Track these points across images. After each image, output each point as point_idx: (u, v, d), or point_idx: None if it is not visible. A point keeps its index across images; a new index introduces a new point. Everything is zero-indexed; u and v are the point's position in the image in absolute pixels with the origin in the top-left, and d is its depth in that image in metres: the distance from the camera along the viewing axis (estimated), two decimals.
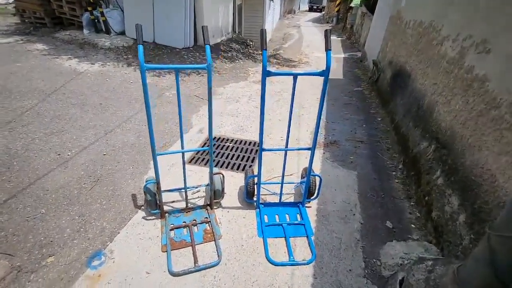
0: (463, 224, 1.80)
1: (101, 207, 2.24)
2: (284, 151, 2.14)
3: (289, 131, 2.06)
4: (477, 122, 1.91)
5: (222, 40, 6.70)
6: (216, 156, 3.07)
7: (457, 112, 2.21)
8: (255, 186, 2.33)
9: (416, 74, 3.40)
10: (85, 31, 6.54)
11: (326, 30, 1.69)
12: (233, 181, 2.67)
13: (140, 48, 1.57)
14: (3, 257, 1.80)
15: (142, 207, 2.27)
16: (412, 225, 2.30)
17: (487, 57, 1.98)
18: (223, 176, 2.27)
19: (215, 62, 5.93)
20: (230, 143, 3.35)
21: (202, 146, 3.23)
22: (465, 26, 2.37)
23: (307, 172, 2.19)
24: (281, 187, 2.33)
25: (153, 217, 2.18)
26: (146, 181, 2.14)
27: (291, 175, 2.83)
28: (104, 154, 2.87)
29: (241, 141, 3.41)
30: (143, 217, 2.18)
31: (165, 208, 2.25)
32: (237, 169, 2.90)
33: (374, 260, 1.98)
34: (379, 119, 4.27)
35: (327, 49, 1.71)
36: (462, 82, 2.21)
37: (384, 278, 1.85)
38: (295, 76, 1.80)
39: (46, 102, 3.75)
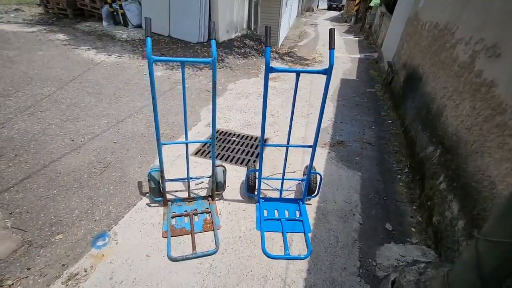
0: (461, 230, 1.79)
1: (108, 192, 2.35)
2: (285, 147, 2.16)
3: (290, 128, 2.09)
4: (482, 128, 1.88)
5: (236, 36, 6.75)
6: (221, 150, 3.13)
7: (464, 117, 2.17)
8: (256, 180, 2.38)
9: (428, 77, 3.34)
10: (104, 23, 6.74)
11: (330, 29, 1.71)
12: (236, 175, 2.73)
13: (148, 41, 1.64)
14: (17, 232, 1.93)
15: (147, 194, 2.36)
16: (413, 229, 2.29)
17: (496, 62, 1.94)
18: (225, 169, 2.33)
19: (228, 57, 5.99)
20: (236, 137, 3.41)
21: (209, 138, 3.30)
22: (478, 29, 2.32)
23: (308, 170, 2.22)
24: (282, 183, 2.37)
25: (157, 204, 2.27)
26: (150, 169, 2.23)
27: (294, 172, 2.86)
28: (115, 142, 2.99)
29: (247, 136, 3.46)
30: (147, 204, 2.27)
31: (168, 196, 2.34)
32: (241, 163, 2.95)
33: (370, 260, 1.99)
34: (390, 121, 4.21)
35: (331, 48, 1.72)
36: (471, 87, 2.17)
37: (378, 278, 1.86)
38: (297, 73, 1.82)
39: (63, 90, 3.91)
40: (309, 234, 2.15)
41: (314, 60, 7.78)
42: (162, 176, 2.11)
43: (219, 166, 2.29)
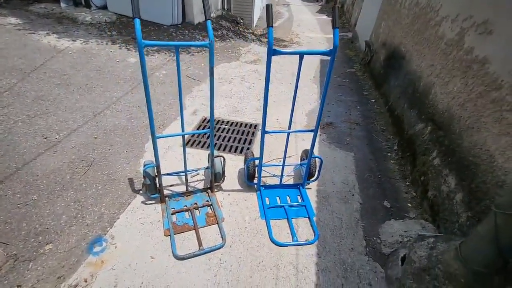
0: (460, 202, 1.87)
1: (97, 192, 2.16)
2: (286, 133, 2.10)
3: (292, 113, 2.03)
4: (476, 103, 1.94)
5: (211, 17, 6.40)
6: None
7: (455, 94, 2.23)
8: (256, 168, 2.31)
9: (412, 55, 3.40)
10: (63, 4, 6.05)
11: (333, 7, 1.62)
12: (232, 163, 2.64)
13: (137, 22, 1.45)
14: None
15: (141, 192, 2.21)
16: (409, 204, 2.38)
17: (488, 38, 1.99)
18: (224, 159, 2.23)
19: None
20: (225, 125, 3.28)
21: (198, 128, 3.16)
22: (466, 6, 2.35)
23: (309, 154, 2.19)
24: (282, 169, 2.33)
25: (153, 202, 2.13)
26: (144, 165, 2.07)
27: (289, 157, 2.83)
28: (95, 138, 2.75)
29: (237, 123, 3.35)
30: (142, 202, 2.13)
31: (165, 192, 2.20)
32: (235, 151, 2.86)
33: (374, 238, 2.04)
34: (373, 100, 4.29)
35: (335, 27, 1.64)
36: (461, 64, 2.23)
37: (384, 255, 1.92)
38: (301, 55, 1.74)
39: (26, 82, 3.49)
40: (314, 218, 2.15)
41: (291, 41, 7.66)
42: (158, 172, 1.97)
43: (218, 157, 2.18)
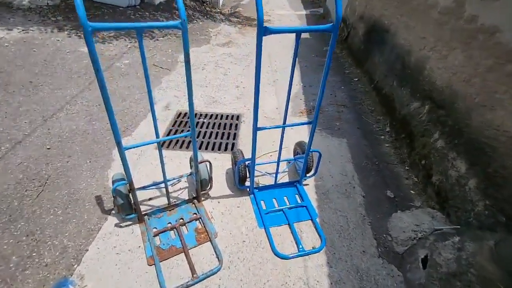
0: (474, 189, 1.73)
1: (56, 219, 1.75)
2: (280, 128, 1.81)
3: (287, 106, 1.73)
4: (486, 79, 1.76)
5: None
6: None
7: (457, 69, 2.05)
8: (247, 169, 2.02)
9: (397, 28, 3.18)
10: None
11: None
12: (218, 164, 2.32)
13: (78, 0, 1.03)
14: None
15: (113, 211, 1.83)
16: (412, 191, 2.23)
17: (495, 4, 1.78)
18: (210, 164, 1.90)
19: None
20: (204, 119, 2.91)
21: (173, 125, 2.76)
22: None
23: (307, 148, 1.92)
24: (277, 167, 2.05)
25: (130, 223, 1.78)
26: (113, 181, 1.69)
27: (275, 151, 2.55)
28: (48, 148, 2.27)
29: (217, 115, 2.99)
30: (116, 225, 1.76)
31: (142, 208, 1.85)
32: (219, 149, 2.52)
33: (384, 235, 1.87)
34: (356, 79, 4.09)
35: None
36: (462, 34, 2.03)
37: (398, 254, 1.75)
38: (297, 32, 1.42)
39: None
40: (317, 220, 1.93)
41: None
42: (132, 189, 1.60)
43: (202, 162, 1.84)
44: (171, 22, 1.25)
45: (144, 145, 1.52)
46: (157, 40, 4.46)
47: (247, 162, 1.99)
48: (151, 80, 3.40)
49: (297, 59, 1.56)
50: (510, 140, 1.53)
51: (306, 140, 2.68)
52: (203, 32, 5.12)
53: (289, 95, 1.67)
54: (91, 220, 1.77)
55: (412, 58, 2.74)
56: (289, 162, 2.33)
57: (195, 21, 5.40)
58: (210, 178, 1.95)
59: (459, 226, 1.70)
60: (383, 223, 1.95)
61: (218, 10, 6.68)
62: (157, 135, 1.58)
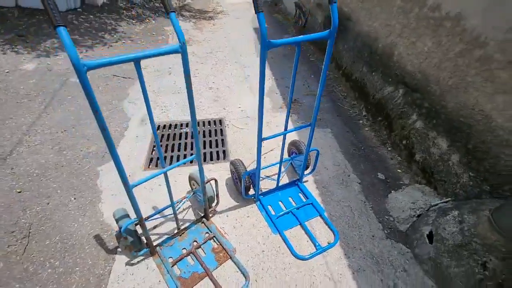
0: (457, 163, 1.93)
1: (55, 273, 1.57)
2: (283, 135, 1.81)
3: (288, 114, 1.73)
4: (457, 63, 1.94)
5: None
6: (178, 151, 2.51)
7: (427, 54, 2.22)
8: (251, 180, 2.00)
9: (359, 16, 3.31)
10: None
11: None
12: (214, 175, 2.24)
13: (61, 31, 0.89)
14: None
15: (119, 249, 1.70)
16: (398, 170, 2.42)
17: None
18: (216, 181, 1.83)
19: (120, 25, 4.62)
20: (185, 128, 2.78)
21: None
22: None
23: (306, 149, 1.96)
24: (279, 170, 2.06)
25: (141, 258, 1.66)
26: (117, 219, 1.56)
27: (271, 150, 2.57)
28: (19, 192, 1.98)
29: (198, 122, 2.87)
30: (127, 263, 1.64)
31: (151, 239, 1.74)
32: (211, 159, 2.45)
33: (387, 217, 2.02)
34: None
35: (332, 2, 1.34)
36: (428, 22, 2.19)
37: (402, 232, 1.91)
38: (298, 43, 1.41)
39: None
40: (325, 214, 2.01)
41: (215, 11, 6.94)
42: (142, 225, 1.49)
43: (208, 181, 1.77)
44: (171, 47, 1.16)
45: (152, 178, 1.41)
46: (111, 46, 4.05)
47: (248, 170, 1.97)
48: (117, 93, 3.14)
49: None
50: (486, 118, 1.73)
51: (291, 133, 2.72)
52: (159, 31, 4.78)
53: (290, 104, 1.66)
54: (97, 265, 1.62)
55: (380, 44, 2.89)
56: (289, 163, 2.36)
57: (147, 21, 5.00)
58: (217, 195, 1.89)
59: (449, 199, 1.90)
60: (382, 206, 2.10)
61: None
62: (163, 165, 1.48)
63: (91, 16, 4.48)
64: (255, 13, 1.21)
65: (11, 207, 1.88)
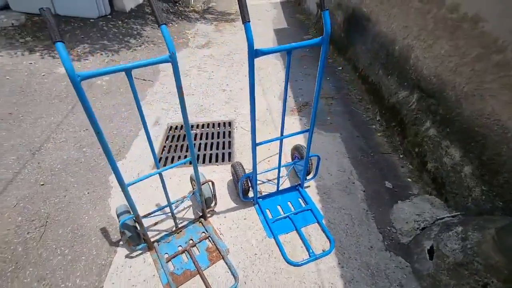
0: (470, 176, 1.80)
1: (64, 260, 1.73)
2: (279, 140, 1.81)
3: (283, 118, 1.73)
4: (474, 68, 1.80)
5: (144, 0, 5.51)
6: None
7: (443, 58, 2.08)
8: (249, 181, 2.03)
9: (378, 16, 3.18)
10: None
11: None
12: (217, 176, 2.31)
13: (60, 46, 0.98)
14: None
15: (121, 242, 1.82)
16: (409, 179, 2.30)
17: None
18: (213, 183, 1.89)
19: (145, 30, 4.89)
20: (195, 130, 2.88)
21: (166, 140, 2.72)
22: None
23: (306, 154, 1.94)
24: (278, 174, 2.06)
25: (140, 251, 1.77)
26: (118, 215, 1.67)
27: (276, 154, 2.57)
28: (42, 184, 2.20)
29: (208, 124, 2.96)
30: (127, 256, 1.75)
31: (150, 235, 1.84)
32: (216, 161, 2.52)
33: (389, 228, 1.94)
34: (340, 68, 4.11)
35: (323, 8, 1.33)
36: (446, 24, 2.05)
37: (404, 245, 1.82)
38: (288, 51, 1.41)
39: None
40: (323, 221, 1.97)
41: (237, 13, 7.05)
42: (139, 221, 1.59)
43: (205, 183, 1.83)
44: (161, 58, 1.22)
45: (145, 178, 1.49)
46: (135, 50, 4.31)
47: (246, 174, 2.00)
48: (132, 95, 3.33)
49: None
50: (502, 128, 1.59)
51: (299, 137, 2.70)
52: (181, 35, 4.97)
53: (284, 109, 1.67)
54: (100, 255, 1.75)
55: (397, 47, 2.77)
56: (290, 168, 2.35)
57: (170, 24, 5.23)
58: (214, 196, 1.95)
59: (459, 213, 1.77)
60: (386, 216, 2.02)
61: (192, 9, 6.49)
62: (157, 166, 1.56)
63: (119, 22, 4.79)
64: (242, 23, 1.23)
65: (34, 198, 2.09)
